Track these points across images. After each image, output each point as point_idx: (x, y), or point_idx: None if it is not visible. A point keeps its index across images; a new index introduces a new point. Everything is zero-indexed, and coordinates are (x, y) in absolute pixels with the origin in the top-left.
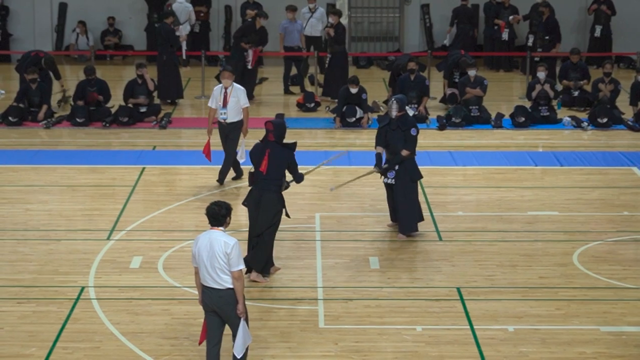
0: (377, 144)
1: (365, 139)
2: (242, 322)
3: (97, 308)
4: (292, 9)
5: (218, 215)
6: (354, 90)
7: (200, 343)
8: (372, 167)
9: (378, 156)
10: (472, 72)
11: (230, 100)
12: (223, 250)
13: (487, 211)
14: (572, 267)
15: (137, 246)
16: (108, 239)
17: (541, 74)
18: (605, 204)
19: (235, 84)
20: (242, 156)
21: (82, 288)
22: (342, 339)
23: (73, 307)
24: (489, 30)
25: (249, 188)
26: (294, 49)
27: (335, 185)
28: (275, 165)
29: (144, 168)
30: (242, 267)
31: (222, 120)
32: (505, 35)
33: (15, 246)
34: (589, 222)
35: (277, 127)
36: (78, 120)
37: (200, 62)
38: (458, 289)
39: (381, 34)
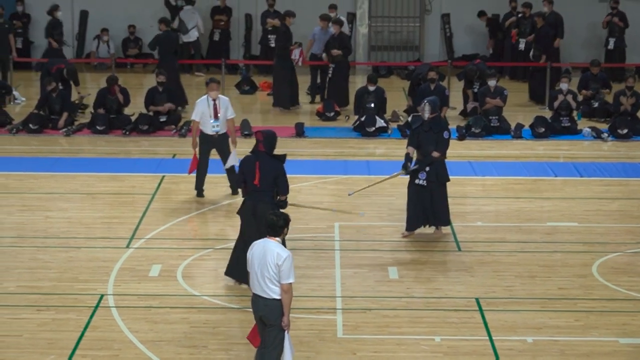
0: (409, 144)
1: (384, 149)
2: (287, 335)
3: (116, 316)
4: (324, 17)
5: (276, 225)
6: (371, 87)
7: (256, 346)
8: (401, 169)
9: (407, 156)
10: (492, 82)
11: (220, 111)
12: (275, 261)
13: (506, 222)
14: (592, 278)
15: (157, 254)
16: (127, 247)
17: (564, 85)
18: (625, 215)
19: (220, 95)
20: (232, 162)
21: (102, 296)
22: (361, 349)
23: (92, 314)
24: (509, 41)
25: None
26: (317, 57)
27: (354, 191)
28: (267, 177)
29: (163, 176)
30: (292, 280)
31: (214, 133)
32: (522, 46)
33: (35, 253)
34: (609, 234)
35: (267, 137)
36: (98, 127)
37: (221, 71)
38: (477, 300)
39: (401, 43)
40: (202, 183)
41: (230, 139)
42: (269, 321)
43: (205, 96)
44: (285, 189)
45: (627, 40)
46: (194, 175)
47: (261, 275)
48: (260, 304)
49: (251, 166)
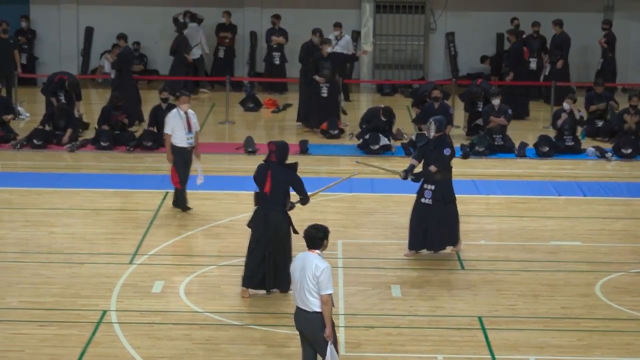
0: (414, 157)
1: (387, 166)
2: (330, 346)
3: (119, 332)
4: (324, 42)
5: (315, 238)
6: (384, 118)
7: None
8: (401, 171)
9: (410, 165)
10: (495, 101)
11: (192, 124)
12: (313, 273)
13: (509, 240)
14: (595, 297)
15: (159, 271)
16: (130, 263)
17: (566, 105)
18: (629, 234)
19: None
20: (201, 179)
21: (104, 312)
22: None
23: (95, 330)
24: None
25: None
26: None
27: (361, 160)
28: (278, 186)
29: (167, 192)
30: (331, 291)
31: (189, 145)
32: (534, 65)
33: (38, 269)
34: (612, 253)
35: (279, 147)
36: (102, 144)
37: (225, 88)
38: (480, 318)
39: (406, 61)
40: (184, 197)
41: (194, 152)
42: (312, 337)
43: (175, 110)
44: (305, 195)
45: (630, 58)
46: (196, 191)
47: (301, 287)
48: (301, 318)
49: (263, 175)
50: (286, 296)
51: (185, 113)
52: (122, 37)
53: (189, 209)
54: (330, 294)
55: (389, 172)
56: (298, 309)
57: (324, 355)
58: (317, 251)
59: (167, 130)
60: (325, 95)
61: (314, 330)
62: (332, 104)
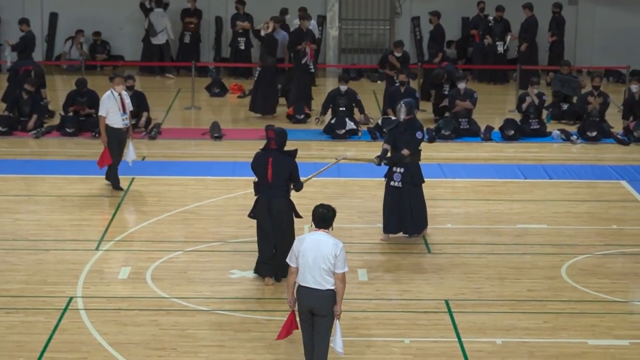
0: (386, 141)
1: (354, 151)
2: (338, 322)
3: (85, 318)
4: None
5: (326, 217)
6: (343, 87)
7: (278, 339)
8: (375, 157)
9: (383, 150)
10: (461, 85)
11: (126, 105)
12: (332, 252)
13: (475, 224)
14: (561, 280)
15: (126, 257)
16: (97, 249)
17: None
18: (594, 217)
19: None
20: (132, 157)
21: (70, 298)
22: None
23: (61, 317)
24: (479, 43)
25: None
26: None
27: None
28: (279, 173)
29: (133, 178)
30: (347, 269)
31: (124, 126)
32: (501, 48)
33: (3, 256)
34: (578, 236)
35: (278, 134)
36: (67, 130)
37: (191, 73)
38: (446, 302)
39: (371, 45)
40: (116, 176)
41: (128, 132)
42: (321, 312)
43: (109, 91)
44: (300, 183)
45: (595, 42)
46: (162, 177)
47: (315, 267)
48: (312, 296)
49: (263, 163)
50: (252, 281)
51: (120, 94)
52: (24, 21)
53: (121, 189)
54: (344, 273)
55: (364, 160)
56: (307, 288)
57: (321, 332)
58: (327, 230)
59: (102, 112)
60: (312, 70)
61: (326, 307)
62: (263, 89)
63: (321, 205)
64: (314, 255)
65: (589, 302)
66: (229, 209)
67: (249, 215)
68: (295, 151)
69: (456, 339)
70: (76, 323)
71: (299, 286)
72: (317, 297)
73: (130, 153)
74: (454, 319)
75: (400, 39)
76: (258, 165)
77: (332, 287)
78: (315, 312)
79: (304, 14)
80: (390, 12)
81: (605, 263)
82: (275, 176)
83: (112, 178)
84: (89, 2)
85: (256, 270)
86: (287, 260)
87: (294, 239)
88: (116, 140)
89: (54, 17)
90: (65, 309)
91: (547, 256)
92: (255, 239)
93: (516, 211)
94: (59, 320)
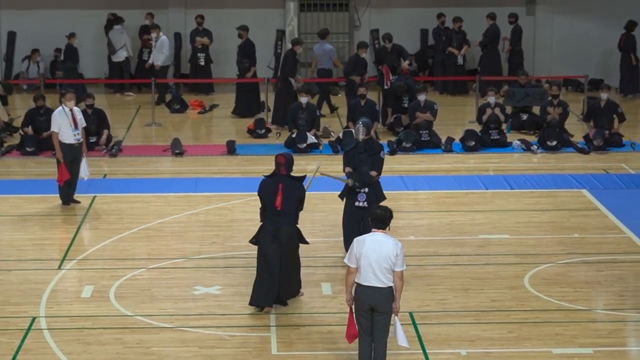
0: (346, 165)
1: (315, 165)
2: (397, 318)
3: (49, 338)
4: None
5: (384, 218)
6: (304, 99)
7: (350, 342)
8: (349, 179)
9: (349, 173)
10: (421, 97)
11: (78, 120)
12: (394, 252)
13: (438, 235)
14: (524, 289)
15: (89, 275)
16: (59, 268)
17: (491, 99)
18: (556, 226)
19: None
20: (86, 172)
21: (34, 318)
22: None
23: (24, 337)
24: (440, 55)
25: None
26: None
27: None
28: (289, 199)
29: (94, 197)
30: (405, 267)
31: (76, 142)
32: (460, 60)
33: None
34: (540, 245)
35: (289, 160)
36: (28, 149)
37: (151, 90)
38: (410, 314)
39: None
40: (72, 193)
41: (82, 148)
42: (382, 309)
43: (60, 107)
44: (302, 207)
45: (553, 51)
46: (124, 194)
47: (379, 267)
48: (375, 294)
49: (273, 189)
50: (216, 297)
51: (71, 110)
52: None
53: (78, 202)
54: (403, 270)
55: (339, 179)
56: (369, 287)
57: (381, 329)
58: (384, 231)
59: (54, 128)
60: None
61: (387, 304)
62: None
63: (380, 207)
64: (377, 255)
65: (553, 311)
66: (192, 225)
67: (251, 241)
68: (304, 177)
69: (421, 351)
70: (40, 343)
71: (360, 285)
72: (380, 295)
73: (83, 169)
74: (419, 330)
75: (364, 40)
76: (266, 191)
77: (392, 284)
78: (377, 309)
79: (360, 43)
80: (349, 25)
81: (568, 272)
82: (285, 203)
83: (62, 192)
84: (47, 21)
85: (252, 302)
86: (346, 261)
87: (298, 263)
88: (70, 156)
89: (12, 36)
90: (28, 329)
91: (510, 266)
92: (218, 255)
93: (478, 222)
94: (22, 341)
